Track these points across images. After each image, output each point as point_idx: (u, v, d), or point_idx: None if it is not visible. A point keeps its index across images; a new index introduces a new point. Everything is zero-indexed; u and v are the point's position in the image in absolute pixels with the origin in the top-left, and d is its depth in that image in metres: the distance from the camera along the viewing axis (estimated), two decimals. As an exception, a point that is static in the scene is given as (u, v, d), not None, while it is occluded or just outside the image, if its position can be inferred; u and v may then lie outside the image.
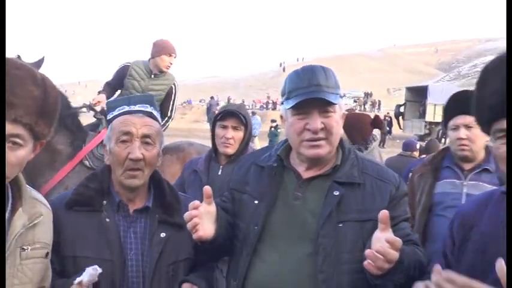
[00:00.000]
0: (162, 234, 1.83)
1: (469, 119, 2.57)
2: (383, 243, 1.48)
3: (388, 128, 25.05)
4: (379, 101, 51.06)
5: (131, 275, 1.76)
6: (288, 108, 1.77)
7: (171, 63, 4.78)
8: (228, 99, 54.76)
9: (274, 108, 47.30)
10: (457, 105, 2.69)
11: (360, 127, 3.44)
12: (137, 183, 1.82)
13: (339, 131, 1.80)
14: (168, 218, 1.87)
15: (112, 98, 4.16)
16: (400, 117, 27.29)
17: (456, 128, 2.67)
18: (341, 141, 1.87)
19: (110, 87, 4.87)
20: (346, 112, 1.94)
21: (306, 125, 1.73)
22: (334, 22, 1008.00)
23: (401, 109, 27.70)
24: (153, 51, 4.74)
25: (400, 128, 27.39)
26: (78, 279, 1.58)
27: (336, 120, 1.76)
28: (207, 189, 1.70)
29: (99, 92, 4.78)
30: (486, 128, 1.41)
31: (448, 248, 1.56)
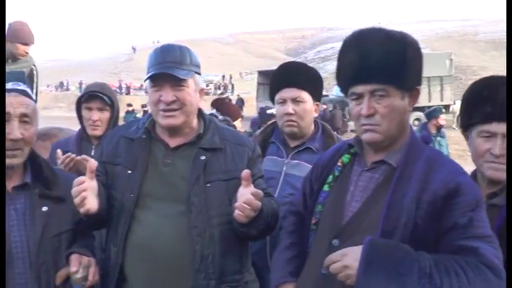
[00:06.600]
0: (44, 208, 1.86)
1: (297, 92, 2.39)
2: (248, 196, 1.72)
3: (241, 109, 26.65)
4: (233, 84, 52.42)
5: (15, 251, 1.77)
6: (145, 81, 1.94)
7: (27, 52, 4.52)
8: (80, 84, 51.81)
9: (128, 93, 45.36)
10: (283, 77, 2.46)
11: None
12: (17, 162, 1.83)
13: (193, 103, 1.94)
14: (47, 192, 1.90)
15: None
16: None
17: (283, 102, 2.42)
18: (201, 111, 2.03)
19: None
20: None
21: (160, 97, 1.89)
22: (186, 6, 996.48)
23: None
24: (9, 35, 4.37)
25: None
26: None
27: (189, 93, 1.91)
28: (92, 163, 1.78)
29: None
30: (346, 91, 1.66)
31: (308, 192, 1.85)
